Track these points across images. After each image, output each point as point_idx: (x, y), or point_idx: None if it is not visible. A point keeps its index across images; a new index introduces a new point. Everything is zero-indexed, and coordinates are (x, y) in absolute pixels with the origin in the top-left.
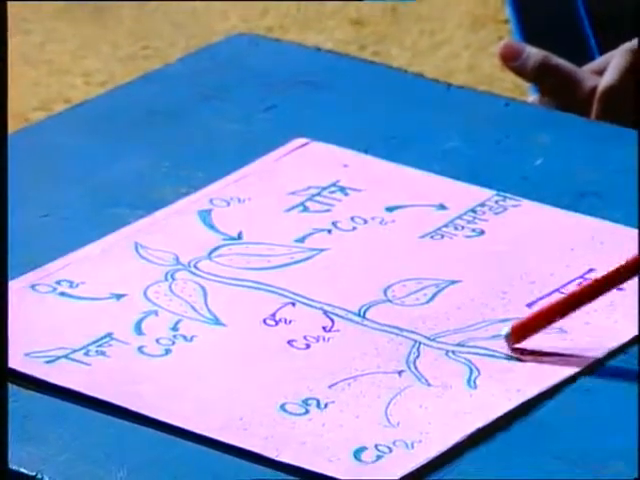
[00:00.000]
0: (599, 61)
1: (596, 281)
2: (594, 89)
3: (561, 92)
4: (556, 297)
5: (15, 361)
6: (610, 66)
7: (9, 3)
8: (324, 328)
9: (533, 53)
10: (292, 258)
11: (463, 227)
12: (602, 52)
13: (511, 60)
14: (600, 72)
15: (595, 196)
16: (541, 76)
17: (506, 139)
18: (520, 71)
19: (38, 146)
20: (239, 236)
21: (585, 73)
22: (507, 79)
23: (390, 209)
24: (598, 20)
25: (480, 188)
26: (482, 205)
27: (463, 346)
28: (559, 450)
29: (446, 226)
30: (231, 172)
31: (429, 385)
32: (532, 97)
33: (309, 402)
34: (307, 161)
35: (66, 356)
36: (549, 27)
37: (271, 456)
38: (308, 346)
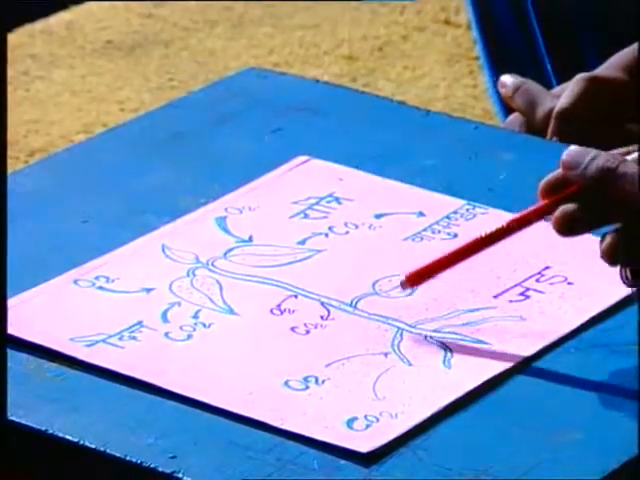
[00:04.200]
0: (559, 88)
1: (481, 237)
2: (552, 109)
3: (527, 109)
4: (450, 248)
5: (61, 345)
6: (565, 92)
7: (57, 42)
8: (321, 317)
9: (515, 80)
10: (295, 257)
11: (439, 231)
12: (558, 82)
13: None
14: (559, 97)
15: None
16: (515, 95)
17: (475, 157)
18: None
19: (80, 163)
20: (250, 239)
21: (548, 95)
22: (477, 107)
23: (378, 216)
24: (557, 55)
25: (453, 198)
26: (455, 213)
27: (439, 332)
28: (522, 420)
29: (425, 230)
30: (243, 185)
31: (410, 365)
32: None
33: (309, 379)
34: (307, 175)
35: (104, 340)
36: (513, 62)
37: (276, 425)
38: (308, 332)
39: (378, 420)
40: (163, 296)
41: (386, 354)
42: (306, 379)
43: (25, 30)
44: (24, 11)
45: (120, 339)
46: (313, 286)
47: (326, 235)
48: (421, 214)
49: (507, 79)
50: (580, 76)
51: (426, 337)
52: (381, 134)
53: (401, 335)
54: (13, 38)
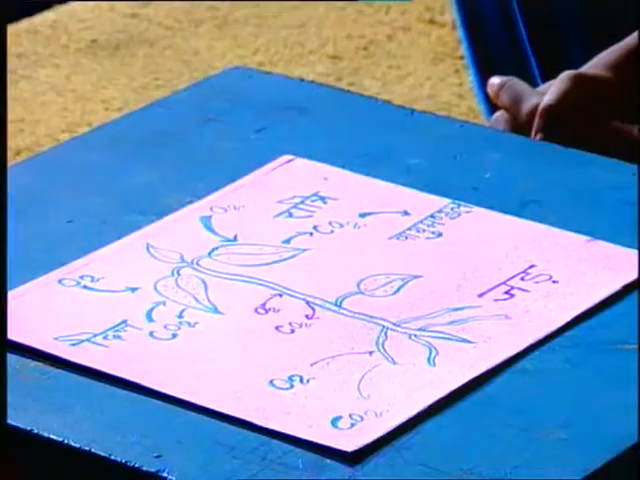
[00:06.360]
0: (544, 86)
1: None
2: (538, 106)
3: (512, 106)
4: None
5: (45, 344)
6: (551, 89)
7: (42, 41)
8: (306, 316)
9: (501, 79)
10: (280, 257)
11: (424, 230)
12: (543, 81)
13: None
14: (545, 94)
15: (535, 204)
16: (501, 91)
17: (460, 156)
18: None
19: (65, 162)
20: (235, 238)
21: (534, 92)
22: (462, 105)
23: (362, 215)
24: (542, 54)
25: (438, 197)
26: (440, 211)
27: (424, 330)
28: (507, 418)
29: (410, 229)
30: (228, 184)
31: (395, 363)
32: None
33: (294, 378)
34: (292, 174)
35: (88, 340)
36: (498, 61)
37: (261, 424)
38: (293, 331)
39: (363, 419)
40: (148, 295)
41: (371, 353)
42: (291, 378)
43: (10, 29)
44: (8, 10)
45: (105, 338)
46: (298, 285)
47: (311, 234)
48: (406, 213)
49: (494, 79)
50: (565, 74)
51: (410, 336)
52: (366, 133)
53: (385, 334)
54: None
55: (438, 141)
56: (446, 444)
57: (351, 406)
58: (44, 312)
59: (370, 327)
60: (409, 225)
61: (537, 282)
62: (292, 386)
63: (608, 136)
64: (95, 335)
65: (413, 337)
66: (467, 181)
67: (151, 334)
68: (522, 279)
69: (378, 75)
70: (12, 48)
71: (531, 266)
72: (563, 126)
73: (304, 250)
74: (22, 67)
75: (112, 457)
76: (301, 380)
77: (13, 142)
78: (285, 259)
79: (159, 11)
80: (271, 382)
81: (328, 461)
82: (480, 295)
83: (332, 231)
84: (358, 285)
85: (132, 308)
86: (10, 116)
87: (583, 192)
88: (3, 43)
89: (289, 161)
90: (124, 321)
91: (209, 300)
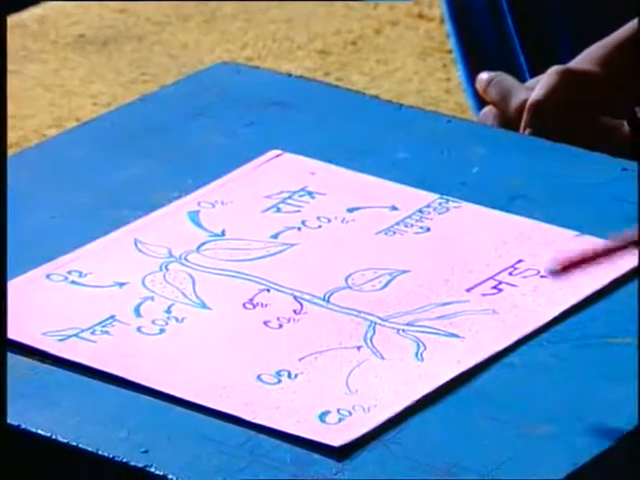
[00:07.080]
0: (533, 80)
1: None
2: (526, 101)
3: (500, 101)
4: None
5: (33, 339)
6: (539, 83)
7: (30, 37)
8: (294, 311)
9: (489, 75)
10: (267, 252)
11: (412, 225)
12: (532, 76)
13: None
14: (533, 89)
15: (524, 199)
16: (489, 86)
17: (448, 151)
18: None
19: (52, 157)
20: (223, 233)
21: (522, 87)
22: (450, 100)
23: (350, 210)
24: (530, 48)
25: (426, 192)
26: (428, 206)
27: (412, 325)
28: (494, 413)
29: (397, 224)
30: (216, 179)
31: (383, 358)
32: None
33: (281, 373)
34: (280, 169)
35: (76, 335)
36: (486, 56)
37: (249, 419)
38: (281, 326)
39: (351, 414)
40: (136, 290)
41: (359, 348)
42: (279, 373)
43: None
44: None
45: (92, 333)
46: (286, 280)
47: (299, 229)
48: (394, 208)
49: (483, 74)
50: (554, 68)
51: (399, 331)
52: (354, 128)
53: (374, 329)
54: None
55: (426, 136)
56: (434, 439)
57: (339, 401)
58: (32, 307)
59: (358, 322)
60: (397, 220)
61: (525, 277)
62: (280, 381)
63: (596, 131)
64: (83, 330)
65: (401, 332)
66: (455, 176)
67: (139, 329)
68: (510, 274)
69: (366, 70)
70: None
71: (519, 261)
72: (551, 121)
73: (292, 245)
74: (10, 62)
75: (100, 452)
76: (289, 375)
77: None
78: (273, 254)
79: (147, 6)
80: (259, 377)
81: (316, 456)
82: (468, 290)
83: (320, 226)
84: (346, 280)
85: (120, 303)
86: None
87: (571, 187)
88: (3, 36)
89: (277, 156)
90: (112, 316)
91: (197, 295)
